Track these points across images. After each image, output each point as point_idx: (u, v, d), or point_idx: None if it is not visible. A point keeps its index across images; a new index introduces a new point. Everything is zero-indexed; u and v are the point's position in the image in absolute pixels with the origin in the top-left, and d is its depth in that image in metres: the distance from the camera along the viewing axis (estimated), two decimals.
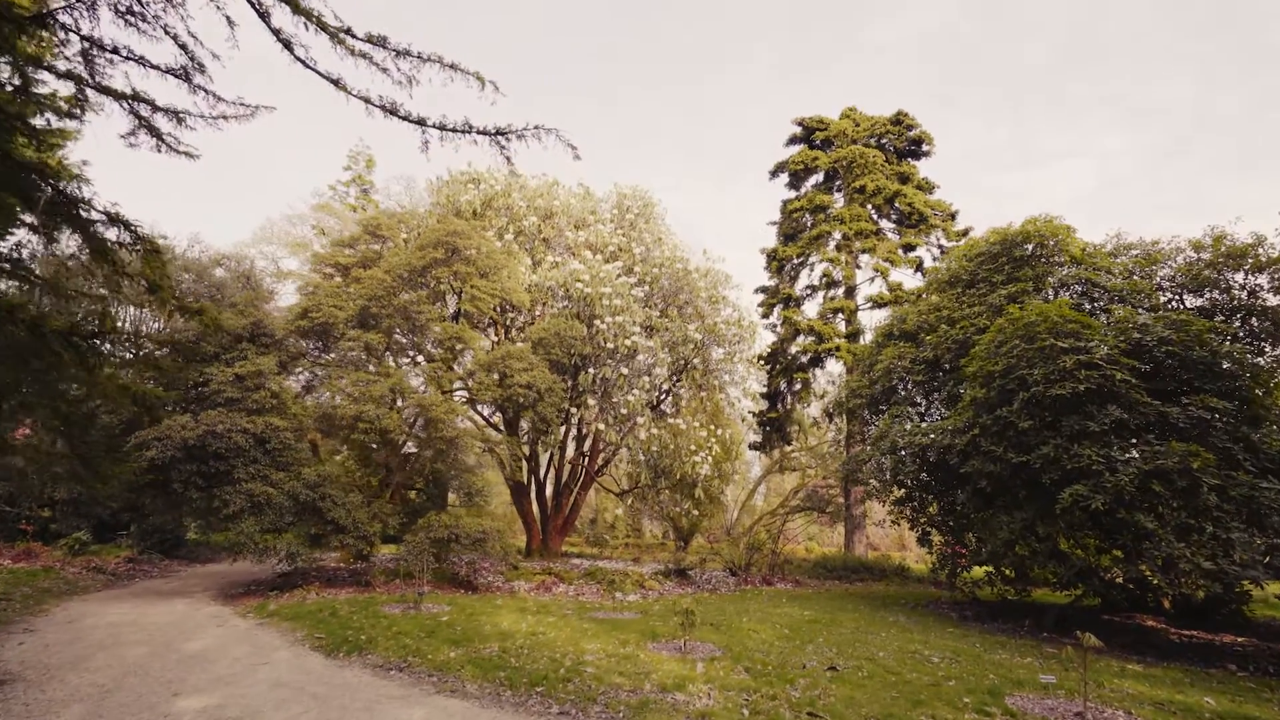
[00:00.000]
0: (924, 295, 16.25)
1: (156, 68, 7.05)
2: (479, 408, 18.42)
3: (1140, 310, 11.82)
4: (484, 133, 6.42)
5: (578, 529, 31.10)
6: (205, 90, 7.26)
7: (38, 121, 13.92)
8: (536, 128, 6.43)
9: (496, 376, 14.23)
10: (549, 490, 20.67)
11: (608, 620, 10.20)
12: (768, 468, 35.07)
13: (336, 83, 6.23)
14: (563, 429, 19.29)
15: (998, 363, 11.17)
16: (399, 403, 14.27)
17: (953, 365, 13.64)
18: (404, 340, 15.68)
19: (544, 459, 20.81)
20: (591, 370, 15.91)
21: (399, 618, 9.28)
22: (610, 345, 15.62)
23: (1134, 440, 10.27)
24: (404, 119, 6.36)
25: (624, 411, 15.80)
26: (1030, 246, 14.20)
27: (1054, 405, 10.38)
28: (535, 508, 20.52)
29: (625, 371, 15.91)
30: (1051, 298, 13.08)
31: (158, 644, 7.61)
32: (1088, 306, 12.87)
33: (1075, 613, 12.60)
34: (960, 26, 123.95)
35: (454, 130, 6.40)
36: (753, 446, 25.94)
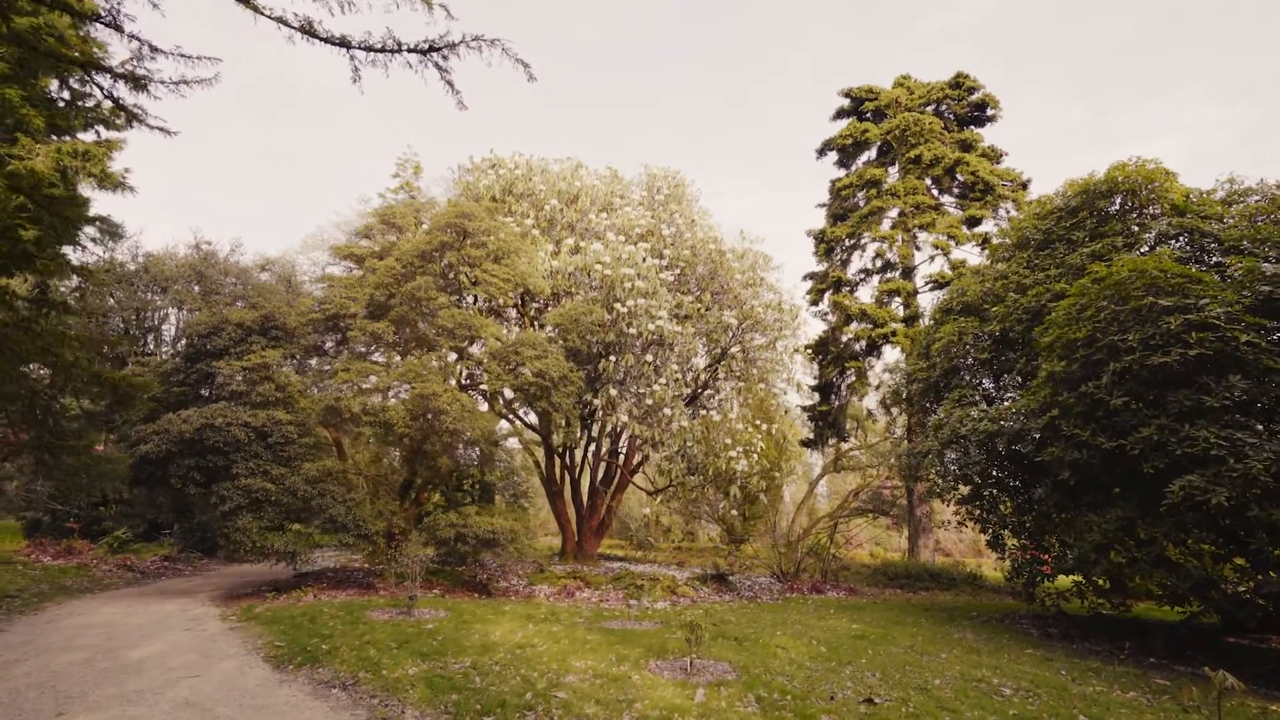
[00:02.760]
0: (990, 264, 14.20)
1: (80, 14, 6.44)
2: (518, 408, 17.59)
3: (1267, 263, 9.58)
4: (415, 50, 5.39)
5: (630, 530, 29.92)
6: (138, 39, 6.62)
7: (87, 135, 13.95)
8: (476, 38, 5.34)
9: (511, 366, 13.31)
10: (585, 490, 19.67)
11: (619, 631, 8.98)
12: (825, 467, 32.93)
13: (246, 1, 5.37)
14: (595, 426, 18.19)
15: (1080, 329, 9.25)
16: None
17: (1024, 339, 11.66)
18: (425, 329, 15.00)
19: (579, 457, 19.82)
20: (614, 358, 14.74)
21: (380, 624, 8.39)
22: (634, 331, 14.41)
23: (1263, 421, 8.18)
24: (324, 40, 5.41)
25: (650, 403, 14.53)
26: (1118, 199, 12.04)
27: (1155, 377, 8.42)
28: (570, 508, 19.55)
29: (651, 359, 14.65)
30: (1147, 255, 10.93)
31: (103, 649, 6.96)
32: (1195, 266, 10.65)
33: (1191, 633, 10.39)
34: (1018, 7, 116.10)
35: (381, 50, 5.41)
36: (803, 443, 24.05)
